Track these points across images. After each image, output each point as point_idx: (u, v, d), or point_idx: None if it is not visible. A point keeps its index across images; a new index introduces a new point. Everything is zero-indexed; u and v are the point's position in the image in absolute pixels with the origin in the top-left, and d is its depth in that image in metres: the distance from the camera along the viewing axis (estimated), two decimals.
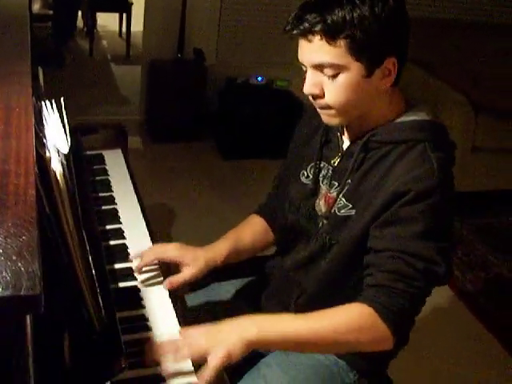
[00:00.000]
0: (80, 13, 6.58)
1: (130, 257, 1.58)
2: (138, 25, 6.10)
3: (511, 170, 4.05)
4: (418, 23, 4.35)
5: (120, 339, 1.10)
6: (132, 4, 6.04)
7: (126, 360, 1.05)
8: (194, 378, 1.23)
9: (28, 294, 0.55)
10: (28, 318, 0.62)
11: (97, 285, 1.08)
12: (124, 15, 6.32)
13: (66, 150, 0.98)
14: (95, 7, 6.18)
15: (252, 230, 1.69)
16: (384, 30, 1.26)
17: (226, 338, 1.22)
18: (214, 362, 1.19)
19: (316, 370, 1.51)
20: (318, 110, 1.39)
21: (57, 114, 1.13)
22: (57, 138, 1.02)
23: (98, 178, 1.94)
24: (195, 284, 1.65)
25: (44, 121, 1.09)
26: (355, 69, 1.28)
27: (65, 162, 0.99)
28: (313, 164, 1.52)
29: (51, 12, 6.21)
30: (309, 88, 1.33)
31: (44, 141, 1.00)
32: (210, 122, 4.52)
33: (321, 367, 1.52)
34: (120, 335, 1.10)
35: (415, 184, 1.28)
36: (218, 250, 1.59)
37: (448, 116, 3.81)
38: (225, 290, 1.77)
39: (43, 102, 1.19)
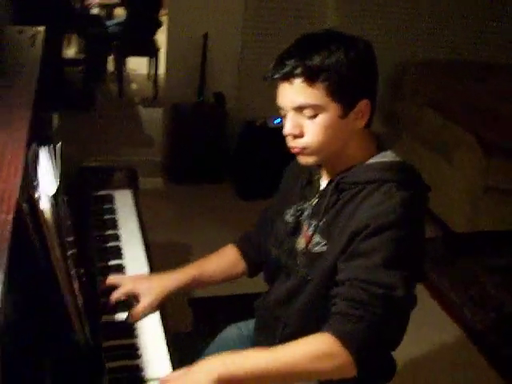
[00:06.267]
0: (112, 56, 6.84)
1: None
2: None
3: None
4: (428, 65, 4.49)
5: (102, 364, 1.20)
6: (159, 49, 6.27)
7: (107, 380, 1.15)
8: None
9: None
10: None
11: (83, 311, 1.20)
12: (153, 59, 6.55)
13: (52, 191, 1.10)
14: (124, 52, 6.43)
15: (220, 260, 1.80)
16: (357, 73, 1.39)
17: (195, 377, 1.28)
18: None
19: None
20: (293, 151, 1.48)
21: (52, 159, 1.26)
22: (47, 181, 1.15)
23: (106, 216, 2.06)
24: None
25: (38, 165, 1.21)
26: (332, 109, 1.39)
27: (53, 202, 1.11)
28: (296, 204, 1.62)
29: (83, 56, 6.49)
30: (290, 129, 1.43)
31: (35, 183, 1.13)
32: (229, 163, 4.66)
33: None
34: (102, 357, 1.21)
35: (375, 219, 1.37)
36: (175, 279, 1.69)
37: (459, 157, 3.88)
38: (232, 334, 1.86)
39: (44, 147, 1.31)
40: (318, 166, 1.59)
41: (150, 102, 6.31)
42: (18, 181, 0.96)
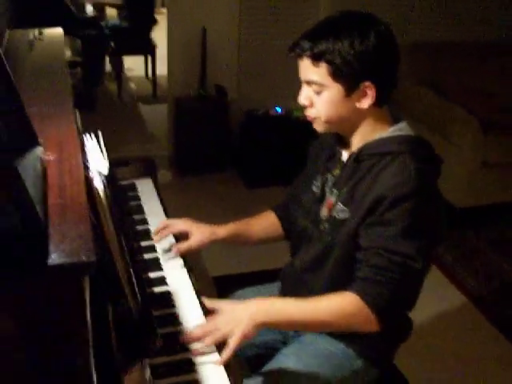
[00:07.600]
0: (108, 58, 6.94)
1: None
2: (162, 66, 6.44)
3: None
4: (426, 46, 4.61)
5: (154, 325, 1.34)
6: (156, 47, 6.38)
7: (160, 341, 1.29)
8: (216, 356, 1.48)
9: (86, 261, 0.81)
10: (87, 281, 0.86)
11: (134, 280, 1.33)
12: (149, 57, 6.66)
13: (105, 171, 1.23)
14: (121, 51, 6.55)
15: (263, 221, 2.01)
16: (360, 60, 1.53)
17: (241, 322, 1.48)
18: (233, 343, 1.46)
19: (327, 358, 1.73)
20: (307, 118, 1.67)
21: (96, 144, 1.39)
22: (97, 163, 1.28)
23: (131, 203, 2.20)
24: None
25: (86, 149, 1.35)
26: (335, 89, 1.57)
27: (105, 181, 1.24)
28: (321, 176, 1.77)
29: (80, 59, 6.59)
30: (301, 99, 1.64)
31: (87, 165, 1.26)
32: (233, 153, 4.80)
33: (331, 355, 1.74)
34: (154, 322, 1.34)
35: (394, 190, 1.53)
36: (224, 228, 1.93)
37: (457, 134, 4.01)
38: (249, 296, 1.99)
39: (83, 136, 1.45)
40: (340, 142, 1.74)
41: (150, 100, 6.42)
42: (79, 157, 1.10)
